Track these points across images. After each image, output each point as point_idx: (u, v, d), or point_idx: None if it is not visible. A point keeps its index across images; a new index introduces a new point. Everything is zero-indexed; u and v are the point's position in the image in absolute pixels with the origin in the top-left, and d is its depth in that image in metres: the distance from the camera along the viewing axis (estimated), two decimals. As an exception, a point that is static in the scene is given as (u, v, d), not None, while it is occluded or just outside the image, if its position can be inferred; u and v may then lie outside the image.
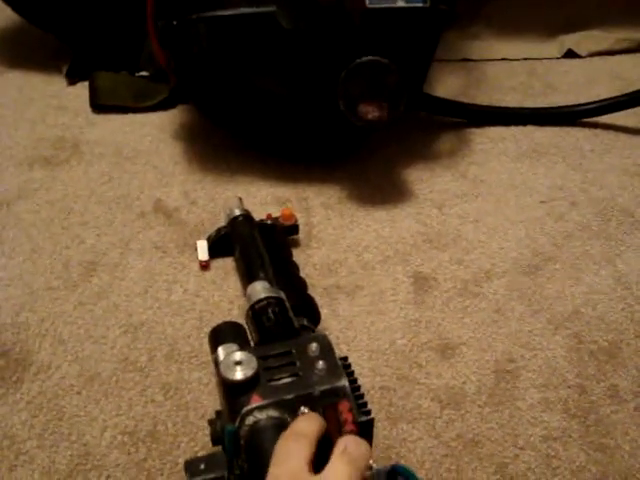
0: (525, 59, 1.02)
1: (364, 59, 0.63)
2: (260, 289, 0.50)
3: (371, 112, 0.64)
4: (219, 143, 0.80)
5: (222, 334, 0.48)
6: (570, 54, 1.04)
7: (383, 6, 0.64)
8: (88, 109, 0.88)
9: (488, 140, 0.83)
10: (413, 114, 0.82)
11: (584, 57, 1.04)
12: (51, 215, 0.72)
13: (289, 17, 0.63)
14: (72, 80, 0.93)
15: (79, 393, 0.54)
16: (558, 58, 1.04)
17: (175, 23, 0.65)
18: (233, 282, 0.63)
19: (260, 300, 0.48)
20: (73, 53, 0.95)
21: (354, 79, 0.63)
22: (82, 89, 0.91)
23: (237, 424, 0.40)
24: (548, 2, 1.04)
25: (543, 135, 0.85)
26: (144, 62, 0.90)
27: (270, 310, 0.48)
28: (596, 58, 1.04)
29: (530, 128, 0.86)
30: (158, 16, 0.69)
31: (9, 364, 0.56)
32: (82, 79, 0.92)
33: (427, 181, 0.76)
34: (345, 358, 0.45)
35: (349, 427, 0.41)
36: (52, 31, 0.95)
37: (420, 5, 0.65)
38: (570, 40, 1.05)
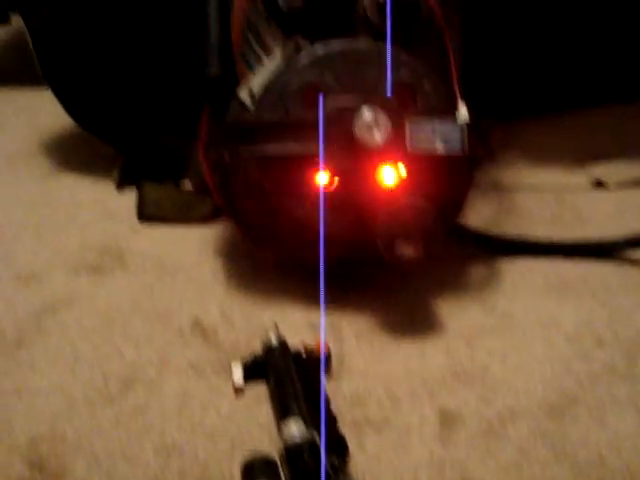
0: (555, 188, 1.06)
1: (402, 201, 0.67)
2: (295, 429, 0.52)
3: (407, 252, 0.67)
4: (258, 261, 0.83)
5: (255, 471, 0.50)
6: (599, 184, 1.07)
7: (423, 150, 0.68)
8: (134, 217, 0.92)
9: (517, 273, 0.85)
10: (445, 244, 0.85)
11: (612, 188, 1.07)
12: (94, 325, 0.75)
13: (334, 158, 0.67)
14: (121, 187, 0.98)
15: (111, 514, 0.56)
16: (587, 188, 1.07)
17: (227, 155, 0.69)
18: (266, 409, 0.65)
19: (295, 443, 0.50)
20: (124, 160, 1.00)
21: (392, 219, 0.67)
22: (130, 196, 0.96)
23: None
24: (577, 132, 1.09)
25: (571, 268, 0.87)
26: (190, 174, 0.95)
27: (305, 453, 0.50)
28: (624, 189, 1.07)
29: (559, 261, 0.88)
30: (210, 143, 0.74)
31: (44, 478, 0.58)
32: (131, 185, 0.98)
33: (456, 313, 0.78)
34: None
35: None
36: (106, 139, 1.01)
37: (458, 151, 0.69)
38: (598, 170, 1.09)
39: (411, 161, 0.68)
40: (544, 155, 1.08)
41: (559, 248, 0.89)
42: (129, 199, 0.96)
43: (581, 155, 1.10)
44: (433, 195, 0.69)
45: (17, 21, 1.43)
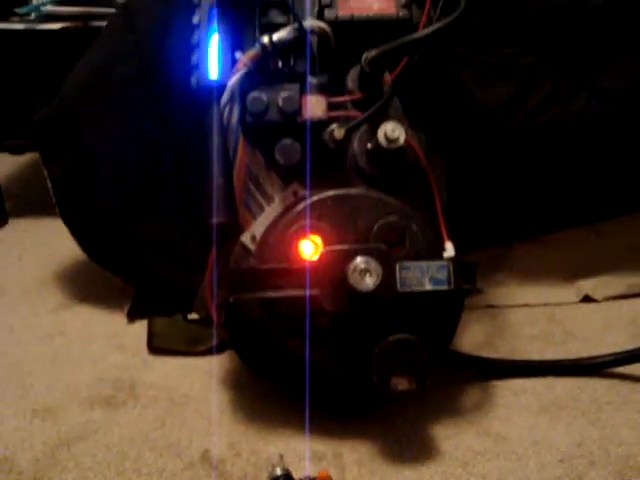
0: (545, 305, 1.11)
1: (395, 337, 0.72)
2: None
3: (401, 385, 0.72)
4: (263, 393, 0.88)
5: None
6: (587, 299, 1.13)
7: (413, 290, 0.74)
8: (145, 349, 0.97)
9: (510, 393, 0.89)
10: (439, 369, 0.90)
11: (600, 302, 1.12)
12: (108, 459, 0.79)
13: (330, 301, 0.73)
14: (132, 319, 1.04)
15: None
16: (576, 303, 1.12)
17: (231, 300, 0.75)
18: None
19: None
20: (136, 293, 1.06)
21: (385, 355, 0.72)
22: (141, 328, 1.01)
23: None
24: (563, 251, 1.14)
25: (563, 386, 0.91)
26: (197, 306, 1.00)
27: None
28: (611, 302, 1.12)
29: (550, 380, 0.92)
30: (217, 286, 0.80)
31: None
32: (141, 318, 1.03)
33: (452, 438, 0.81)
34: None
35: None
36: (119, 273, 1.07)
37: (445, 288, 0.75)
38: (587, 285, 1.14)
39: (401, 300, 0.73)
40: (534, 274, 1.13)
41: (550, 367, 0.93)
42: (140, 330, 1.01)
43: (569, 271, 1.15)
44: (424, 330, 0.74)
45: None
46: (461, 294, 0.78)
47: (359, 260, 0.71)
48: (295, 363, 0.78)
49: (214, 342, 0.95)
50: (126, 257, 1.03)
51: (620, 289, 1.14)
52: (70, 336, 1.02)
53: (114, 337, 1.01)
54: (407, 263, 0.74)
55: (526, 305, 1.11)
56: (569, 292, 1.14)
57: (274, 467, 0.71)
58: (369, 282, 0.70)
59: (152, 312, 1.01)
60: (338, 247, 0.74)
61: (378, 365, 0.72)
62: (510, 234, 1.11)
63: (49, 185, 1.03)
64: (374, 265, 0.71)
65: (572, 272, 1.15)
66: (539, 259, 1.15)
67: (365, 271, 0.70)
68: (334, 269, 0.72)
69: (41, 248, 1.31)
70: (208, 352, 0.96)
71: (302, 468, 0.73)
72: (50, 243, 1.30)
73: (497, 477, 0.76)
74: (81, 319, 1.06)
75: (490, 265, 1.13)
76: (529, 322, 1.06)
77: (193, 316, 1.01)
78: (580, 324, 1.07)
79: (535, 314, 1.09)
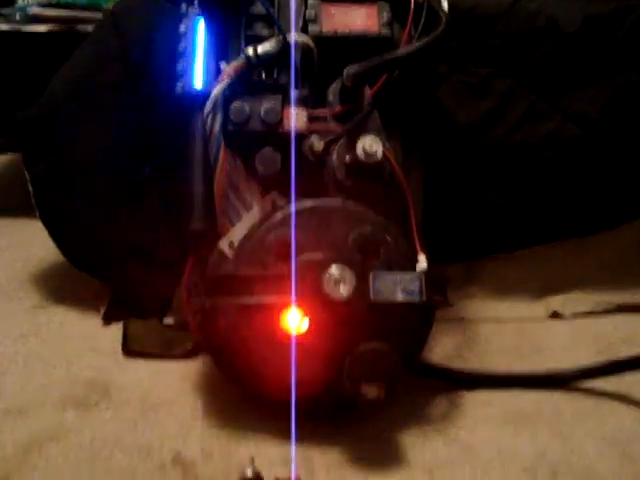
0: (515, 319, 1.13)
1: (366, 346, 0.74)
2: None
3: (371, 392, 0.73)
4: (235, 396, 0.89)
5: None
6: (555, 315, 1.15)
7: (384, 300, 0.76)
8: (120, 352, 0.98)
9: (477, 404, 0.91)
10: (409, 378, 0.92)
11: (568, 318, 1.15)
12: (79, 459, 0.79)
13: (305, 310, 0.74)
14: (108, 322, 1.04)
15: None
16: (545, 319, 1.15)
17: (207, 306, 0.76)
18: None
19: None
20: (112, 296, 1.07)
21: (357, 364, 0.74)
22: (116, 331, 1.02)
23: None
24: (533, 266, 1.17)
25: (528, 399, 0.93)
26: (173, 310, 1.02)
27: None
28: (579, 319, 1.15)
29: (516, 392, 0.94)
30: (194, 293, 0.81)
31: None
32: (117, 321, 1.04)
33: (420, 446, 0.83)
34: None
35: None
36: (96, 276, 1.08)
37: (417, 300, 0.77)
38: (555, 302, 1.17)
39: (374, 310, 0.75)
40: (504, 288, 1.16)
41: (516, 380, 0.96)
42: (115, 333, 1.01)
43: (539, 287, 1.18)
44: (394, 339, 0.76)
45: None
46: (432, 306, 0.80)
47: (334, 269, 0.73)
48: (268, 368, 0.79)
49: (189, 346, 0.96)
50: (104, 260, 1.04)
51: (587, 306, 1.17)
52: (44, 337, 1.02)
53: (89, 339, 1.01)
54: (380, 273, 0.76)
55: (497, 319, 1.13)
56: (538, 307, 1.16)
57: (245, 469, 0.73)
58: (343, 291, 0.72)
59: (128, 315, 1.02)
60: (314, 256, 0.75)
61: (349, 373, 0.74)
62: (483, 249, 1.14)
63: (29, 187, 1.04)
64: (348, 275, 0.72)
65: (542, 288, 1.18)
66: (510, 274, 1.17)
67: (339, 280, 0.72)
68: (310, 277, 0.74)
69: (17, 249, 1.31)
70: (183, 356, 0.96)
71: (273, 471, 0.74)
72: (27, 244, 1.30)
73: (462, 485, 0.78)
74: (56, 320, 1.06)
75: (462, 278, 1.15)
76: (498, 336, 1.09)
77: (169, 320, 1.02)
78: (548, 339, 1.09)
79: (505, 328, 1.11)
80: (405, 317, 0.77)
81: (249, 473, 0.72)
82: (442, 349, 1.02)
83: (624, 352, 0.99)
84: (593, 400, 0.94)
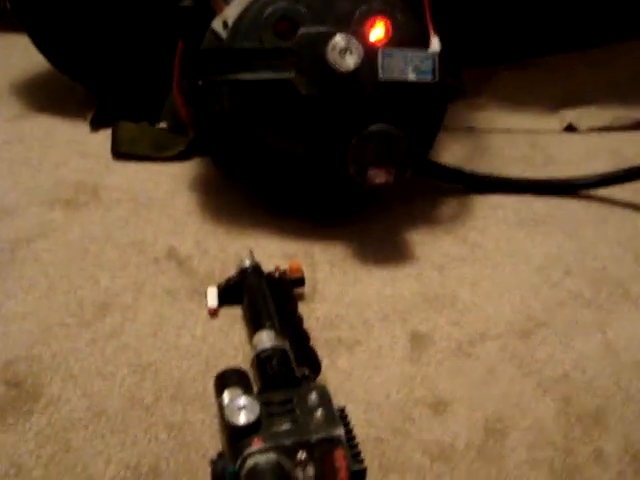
0: (527, 131, 1.07)
1: (374, 127, 0.67)
2: (266, 338, 0.53)
3: (379, 177, 0.68)
4: (233, 197, 0.84)
5: (227, 379, 0.51)
6: (570, 128, 1.09)
7: (394, 79, 0.68)
8: (109, 156, 0.92)
9: (488, 207, 0.87)
10: (418, 179, 0.86)
11: (584, 132, 1.09)
12: (68, 255, 0.75)
13: (306, 84, 0.67)
14: (95, 127, 0.98)
15: (86, 427, 0.57)
16: (559, 132, 1.08)
17: (200, 83, 0.69)
18: (239, 330, 0.66)
19: (265, 349, 0.51)
20: (98, 102, 1.00)
21: (364, 145, 0.67)
22: (104, 137, 0.96)
23: (238, 466, 0.43)
24: (550, 78, 1.10)
25: (541, 205, 0.89)
26: (165, 114, 0.95)
27: (274, 359, 0.51)
28: (595, 134, 1.09)
29: (529, 198, 0.89)
30: (184, 74, 0.74)
31: (21, 395, 0.59)
32: (105, 127, 0.97)
33: (428, 244, 0.79)
34: (342, 409, 0.48)
35: (342, 475, 0.43)
36: (80, 80, 1.00)
37: (429, 79, 0.69)
38: (571, 115, 1.10)
39: (382, 89, 0.68)
40: (518, 99, 1.09)
41: (530, 185, 0.91)
42: (104, 139, 0.95)
43: (555, 100, 1.11)
44: (405, 123, 0.69)
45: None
46: (445, 89, 0.73)
47: (339, 38, 0.65)
48: (268, 157, 0.73)
49: (182, 148, 0.90)
50: (86, 60, 0.96)
51: (605, 120, 1.10)
52: (29, 143, 0.96)
53: (76, 144, 0.95)
54: (390, 50, 0.68)
55: (508, 130, 1.07)
56: (553, 120, 1.10)
57: (243, 260, 0.68)
58: (349, 61, 0.65)
59: (116, 120, 0.95)
60: (316, 28, 0.67)
61: (355, 156, 0.68)
62: (498, 54, 1.05)
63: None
64: (355, 44, 0.65)
65: (557, 100, 1.11)
66: (524, 85, 1.10)
67: (345, 50, 0.65)
68: (311, 50, 0.66)
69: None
70: (176, 158, 0.91)
71: (271, 266, 0.70)
72: (8, 55, 1.21)
73: (472, 281, 0.75)
74: (41, 128, 1.00)
75: (473, 88, 1.08)
76: (510, 146, 1.03)
77: (162, 125, 0.95)
78: (562, 151, 1.03)
79: (517, 139, 1.05)
80: (416, 99, 0.71)
81: (247, 263, 0.68)
82: (451, 157, 0.97)
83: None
84: (608, 207, 0.90)
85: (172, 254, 0.75)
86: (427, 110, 0.73)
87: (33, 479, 0.53)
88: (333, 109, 0.69)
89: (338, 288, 0.72)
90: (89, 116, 0.99)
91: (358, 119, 0.68)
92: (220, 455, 0.47)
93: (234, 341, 0.65)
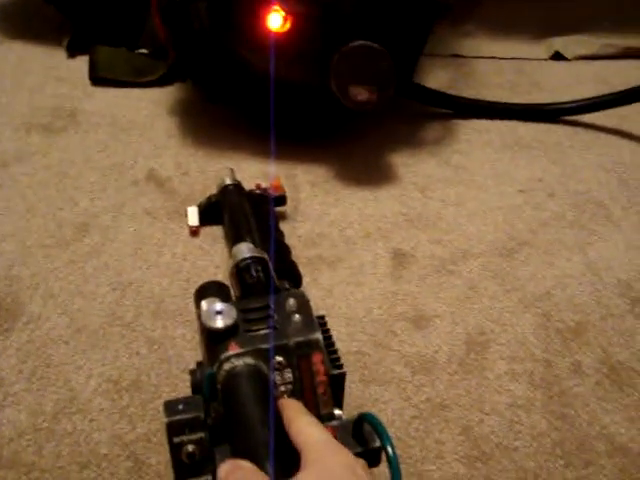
0: (514, 58, 1.05)
1: (356, 43, 0.66)
2: (245, 249, 0.52)
3: (361, 95, 0.66)
4: (213, 121, 0.82)
5: (206, 290, 0.50)
6: (557, 56, 1.07)
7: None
8: (86, 81, 0.90)
9: (473, 131, 0.86)
10: (402, 102, 0.85)
11: (570, 60, 1.07)
12: (46, 178, 0.74)
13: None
14: (72, 53, 0.95)
15: (67, 343, 0.57)
16: (546, 59, 1.07)
17: (178, 0, 0.67)
18: (220, 248, 0.65)
19: (244, 259, 0.51)
20: (74, 27, 0.97)
21: (346, 62, 0.66)
22: (81, 62, 0.93)
23: (215, 369, 0.43)
24: (537, 5, 1.08)
25: (526, 130, 0.88)
26: (144, 40, 0.92)
27: (253, 268, 0.50)
28: (582, 62, 1.07)
29: (514, 123, 0.88)
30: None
31: (0, 313, 0.59)
32: (82, 53, 0.95)
33: (412, 166, 0.78)
34: (322, 316, 0.47)
35: (321, 378, 0.43)
36: (55, 4, 0.97)
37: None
38: (558, 43, 1.08)
39: (366, 3, 0.66)
40: (504, 27, 1.07)
41: (515, 110, 0.89)
42: (82, 66, 0.93)
43: (542, 28, 1.09)
44: (388, 39, 0.67)
45: None
46: (432, 4, 0.71)
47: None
48: (248, 76, 0.71)
49: (162, 73, 0.88)
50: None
51: (592, 49, 1.08)
52: (3, 70, 0.94)
53: (52, 70, 0.93)
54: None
55: (493, 57, 1.05)
56: (539, 48, 1.08)
57: (223, 178, 0.67)
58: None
59: (93, 45, 0.92)
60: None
61: (337, 72, 0.66)
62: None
63: None
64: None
65: (544, 28, 1.09)
66: (511, 12, 1.08)
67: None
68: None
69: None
70: (156, 83, 0.89)
71: (253, 186, 0.69)
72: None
73: (455, 202, 0.74)
74: (15, 55, 0.97)
75: (459, 15, 1.05)
76: (496, 73, 1.01)
77: (142, 51, 0.92)
78: (548, 78, 1.02)
79: (503, 66, 1.03)
80: (400, 15, 0.69)
81: (228, 181, 0.67)
82: (436, 82, 0.95)
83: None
84: (593, 133, 0.89)
85: (152, 176, 0.74)
86: (411, 27, 0.71)
87: (15, 393, 0.53)
88: (314, 26, 0.67)
89: (320, 207, 0.71)
90: (65, 42, 0.96)
91: (339, 36, 0.66)
92: (199, 364, 0.46)
93: (215, 259, 0.65)
